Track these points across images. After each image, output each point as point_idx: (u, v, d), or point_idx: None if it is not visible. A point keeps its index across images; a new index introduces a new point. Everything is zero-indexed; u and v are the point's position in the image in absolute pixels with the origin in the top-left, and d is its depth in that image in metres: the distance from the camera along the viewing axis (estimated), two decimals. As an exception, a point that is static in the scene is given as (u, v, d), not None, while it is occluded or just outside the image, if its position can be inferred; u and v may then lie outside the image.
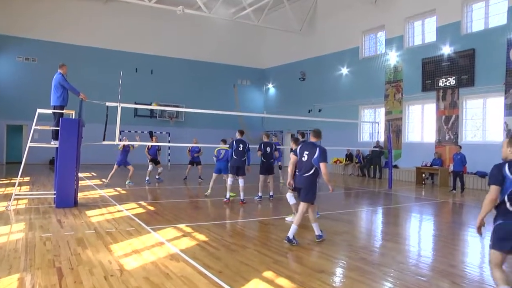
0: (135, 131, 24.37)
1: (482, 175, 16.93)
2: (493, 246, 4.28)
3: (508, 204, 4.17)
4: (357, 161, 22.72)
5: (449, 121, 18.63)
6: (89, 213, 9.16)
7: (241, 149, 11.00)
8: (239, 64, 29.87)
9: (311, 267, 5.66)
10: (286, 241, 6.76)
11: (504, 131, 16.43)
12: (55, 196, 9.77)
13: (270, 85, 30.83)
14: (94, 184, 14.72)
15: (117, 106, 11.13)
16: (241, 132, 11.46)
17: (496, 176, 4.28)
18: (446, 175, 17.79)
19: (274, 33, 28.56)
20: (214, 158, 12.47)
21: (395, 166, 20.46)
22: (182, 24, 26.62)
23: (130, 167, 15.11)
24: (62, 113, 10.02)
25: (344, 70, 24.36)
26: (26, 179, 15.58)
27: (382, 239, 7.78)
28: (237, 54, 29.49)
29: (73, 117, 10.66)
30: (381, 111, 22.30)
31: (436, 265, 6.07)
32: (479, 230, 4.36)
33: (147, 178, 15.81)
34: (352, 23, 23.56)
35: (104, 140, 10.99)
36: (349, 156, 23.38)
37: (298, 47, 27.34)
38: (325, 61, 25.45)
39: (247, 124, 28.32)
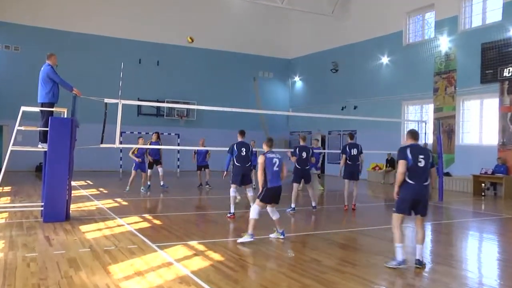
0: (138, 132, 24.51)
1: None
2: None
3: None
4: None
5: (516, 120, 18.36)
6: (83, 228, 9.19)
7: (244, 153, 10.90)
8: (260, 53, 29.94)
9: (347, 293, 5.58)
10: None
11: None
12: (42, 208, 9.79)
13: (296, 78, 30.85)
14: (89, 194, 14.79)
15: (117, 103, 11.20)
16: (242, 133, 11.34)
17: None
18: (512, 184, 17.51)
19: (301, 17, 28.59)
20: None
21: (447, 174, 20.25)
22: (193, 7, 26.89)
23: (143, 174, 15.75)
24: (52, 111, 10.08)
25: (385, 59, 24.29)
26: (7, 188, 15.58)
27: (433, 262, 7.68)
28: (257, 42, 29.51)
29: (65, 116, 10.74)
30: (429, 108, 22.16)
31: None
32: None
33: (147, 183, 16.01)
34: (394, 3, 23.52)
35: (102, 143, 11.05)
36: (390, 162, 23.19)
37: (330, 33, 27.34)
38: (362, 49, 25.39)
39: (270, 124, 28.47)
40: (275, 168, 8.31)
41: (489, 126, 19.70)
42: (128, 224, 9.76)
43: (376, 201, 15.89)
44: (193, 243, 8.08)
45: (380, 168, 23.87)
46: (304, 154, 12.33)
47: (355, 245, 8.54)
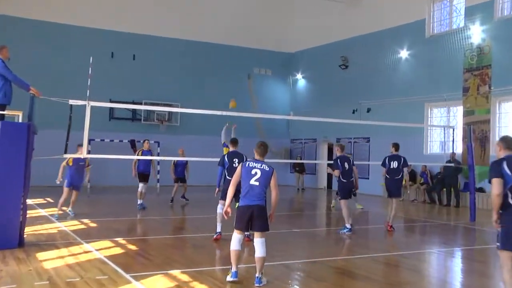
0: (110, 140, 24.51)
1: None
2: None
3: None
4: (422, 181, 22.68)
5: None
6: (41, 256, 9.02)
7: (237, 165, 10.12)
8: (256, 46, 29.88)
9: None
10: None
11: None
12: (-12, 233, 9.44)
13: (299, 76, 30.87)
14: (50, 215, 14.47)
15: (85, 106, 11.13)
16: (234, 143, 11.42)
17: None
18: None
19: (305, 4, 28.73)
20: None
21: (480, 190, 20.18)
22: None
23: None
24: (3, 114, 9.96)
25: (404, 53, 24.39)
26: None
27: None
28: (253, 33, 29.45)
29: (20, 121, 10.65)
30: (458, 111, 22.32)
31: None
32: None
33: (139, 201, 16.35)
34: (416, -14, 23.57)
35: (65, 152, 10.97)
36: (411, 175, 22.32)
37: (339, 22, 27.53)
38: (377, 41, 25.56)
39: (268, 130, 28.27)
40: (253, 182, 7.56)
41: (531, 132, 19.53)
42: (97, 250, 9.61)
43: (395, 222, 15.68)
44: (175, 272, 8.02)
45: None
46: (346, 165, 12.83)
47: (368, 274, 8.42)
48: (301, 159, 28.31)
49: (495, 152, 7.10)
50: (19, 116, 10.87)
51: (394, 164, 13.28)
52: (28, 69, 17.25)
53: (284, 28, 30.71)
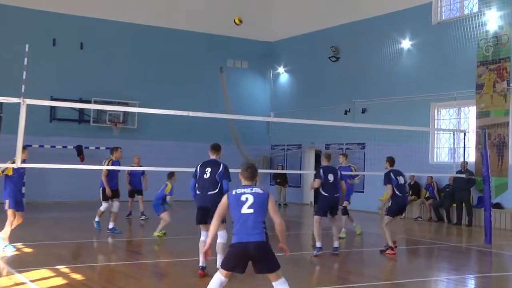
0: (51, 146, 24.33)
1: None
2: None
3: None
4: (428, 195, 22.83)
5: None
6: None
7: (208, 175, 10.22)
8: (230, 34, 29.74)
9: None
10: None
11: None
12: None
13: (280, 69, 30.96)
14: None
15: (19, 104, 10.85)
16: (214, 149, 10.73)
17: None
18: None
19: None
20: None
21: (497, 206, 20.39)
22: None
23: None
24: None
25: (406, 44, 24.60)
26: None
27: None
28: (227, 19, 27.76)
29: None
30: (471, 112, 22.61)
31: None
32: None
33: (96, 219, 16.08)
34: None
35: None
36: (414, 188, 23.34)
37: (328, 7, 27.75)
38: (373, 28, 25.79)
39: (243, 134, 28.15)
40: (245, 211, 6.93)
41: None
42: (32, 281, 9.31)
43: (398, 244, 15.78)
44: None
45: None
46: (331, 177, 12.96)
47: None
48: (283, 168, 28.39)
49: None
50: None
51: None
52: None
53: (264, 14, 30.70)
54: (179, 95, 26.45)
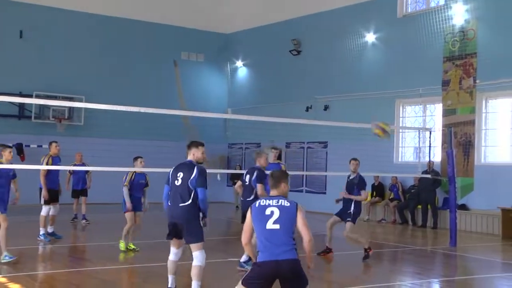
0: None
1: None
2: None
3: None
4: (392, 197, 21.74)
5: None
6: None
7: (180, 182, 7.81)
8: (184, 25, 28.10)
9: None
10: None
11: None
12: None
13: (238, 63, 29.36)
14: None
15: None
16: (192, 146, 8.05)
17: None
18: None
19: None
20: None
21: (463, 207, 19.24)
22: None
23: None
24: None
25: (370, 37, 23.43)
26: None
27: None
28: (181, 9, 27.57)
29: None
30: (437, 110, 21.89)
31: None
32: None
33: (41, 232, 13.92)
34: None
35: None
36: (377, 189, 22.36)
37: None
38: (336, 21, 24.51)
39: (199, 131, 25.72)
40: (271, 226, 5.68)
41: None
42: None
43: (358, 248, 13.88)
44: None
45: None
46: (247, 178, 11.08)
47: None
48: (240, 168, 26.25)
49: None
50: None
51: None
52: None
53: (220, 3, 28.80)
54: (130, 90, 24.49)
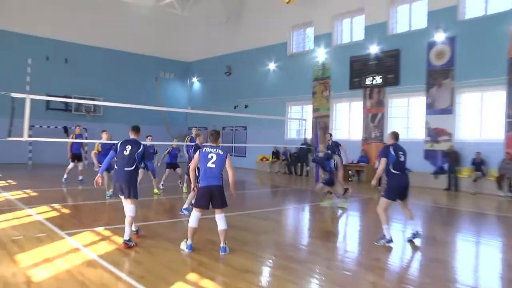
0: (47, 126, 23.38)
1: (405, 172, 17.85)
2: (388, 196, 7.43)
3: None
4: (284, 158, 22.81)
5: (375, 119, 19.56)
6: (-10, 219, 8.45)
7: (128, 153, 7.02)
8: (162, 56, 29.25)
9: (237, 267, 5.73)
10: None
11: (426, 129, 17.74)
12: None
13: (194, 79, 30.36)
14: (-3, 186, 13.54)
15: (24, 98, 10.55)
16: (136, 130, 7.44)
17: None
18: (372, 172, 18.26)
19: (199, 25, 28.35)
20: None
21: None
22: (101, 9, 25.55)
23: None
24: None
25: (272, 66, 24.42)
26: None
27: (309, 237, 8.05)
28: (160, 45, 28.84)
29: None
30: (309, 108, 22.61)
31: (361, 259, 6.48)
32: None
33: (65, 176, 14.34)
34: (280, 18, 23.69)
35: (9, 136, 10.40)
36: (275, 154, 23.46)
37: (225, 40, 27.28)
38: (252, 55, 25.47)
39: (171, 120, 28.05)
40: (210, 165, 6.45)
41: (355, 124, 20.55)
42: (37, 214, 9.03)
43: (264, 187, 15.97)
44: (100, 229, 7.77)
45: (267, 159, 24.11)
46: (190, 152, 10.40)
47: (244, 226, 8.58)
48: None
49: (386, 140, 7.84)
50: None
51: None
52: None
53: (184, 43, 30.03)
54: (129, 94, 25.43)
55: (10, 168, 18.25)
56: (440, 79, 17.36)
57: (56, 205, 10.15)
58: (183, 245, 6.58)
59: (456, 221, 10.29)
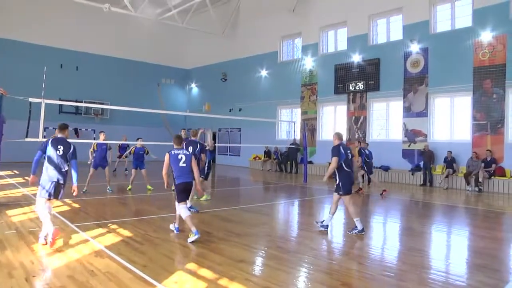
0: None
1: (385, 169, 18.04)
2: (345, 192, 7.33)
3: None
4: (275, 157, 22.68)
5: (358, 121, 19.54)
6: (9, 212, 8.48)
7: (61, 153, 6.31)
8: (163, 63, 29.17)
9: (232, 257, 5.71)
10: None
11: (403, 130, 17.81)
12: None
13: (193, 85, 30.21)
14: (16, 183, 13.53)
15: (40, 102, 10.51)
16: (63, 128, 6.72)
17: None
18: (355, 170, 18.57)
19: (198, 35, 28.23)
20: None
21: (310, 162, 20.67)
22: (108, 21, 25.44)
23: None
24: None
25: (264, 72, 24.34)
26: None
27: (298, 229, 8.00)
28: (162, 54, 28.80)
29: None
30: (298, 111, 22.51)
31: (345, 249, 6.47)
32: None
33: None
34: (271, 29, 23.77)
35: (27, 137, 10.35)
36: (267, 153, 23.34)
37: (221, 49, 27.17)
38: (246, 63, 25.40)
39: (171, 122, 27.92)
40: (182, 165, 6.71)
41: (340, 126, 20.40)
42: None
43: (256, 184, 15.87)
44: (106, 222, 7.78)
45: (259, 158, 24.00)
46: (191, 149, 9.86)
47: (239, 220, 8.55)
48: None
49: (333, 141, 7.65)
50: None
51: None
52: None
53: (183, 52, 30.07)
54: (134, 98, 25.47)
55: (27, 166, 17.90)
56: (415, 85, 17.41)
57: (67, 200, 10.14)
58: (192, 238, 6.38)
59: (430, 213, 10.31)
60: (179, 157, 6.72)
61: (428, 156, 16.31)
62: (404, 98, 17.77)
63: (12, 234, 6.67)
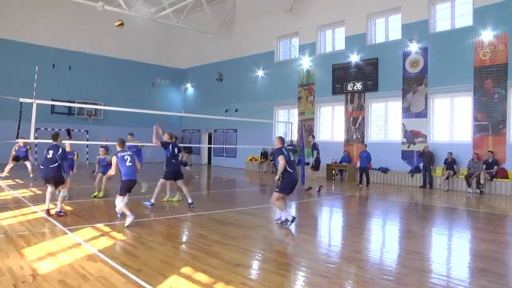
0: (52, 129, 23.04)
1: (384, 170, 18.08)
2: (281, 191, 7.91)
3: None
4: (271, 159, 22.46)
5: (356, 122, 19.58)
6: (-2, 215, 8.34)
7: (51, 156, 8.49)
8: (158, 63, 29.09)
9: (228, 261, 5.69)
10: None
11: (402, 131, 17.82)
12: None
13: (188, 85, 30.23)
14: (5, 185, 13.38)
15: (31, 103, 10.39)
16: (55, 137, 8.82)
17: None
18: (354, 171, 18.66)
19: (193, 34, 28.16)
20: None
21: (308, 163, 19.89)
22: (102, 20, 25.06)
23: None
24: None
25: (260, 73, 24.40)
26: None
27: (295, 232, 7.97)
28: (156, 53, 28.74)
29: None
30: (295, 112, 22.58)
31: (343, 252, 6.44)
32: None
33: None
34: (268, 28, 23.76)
35: (17, 137, 10.37)
36: (264, 154, 23.42)
37: (216, 48, 27.21)
38: (242, 63, 25.43)
39: (166, 122, 27.55)
40: (128, 164, 7.95)
41: (338, 127, 20.51)
42: (42, 210, 8.89)
43: (253, 186, 15.87)
44: (100, 225, 7.72)
45: (256, 160, 24.09)
46: (176, 150, 10.38)
47: (235, 222, 8.54)
48: (189, 143, 27.95)
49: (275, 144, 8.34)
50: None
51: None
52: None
53: (179, 51, 30.00)
54: (128, 98, 25.35)
55: (17, 168, 17.87)
56: (415, 85, 17.45)
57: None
58: (130, 221, 7.64)
59: (430, 216, 10.31)
60: (125, 158, 7.93)
61: (427, 157, 16.34)
62: (403, 98, 17.81)
63: (0, 238, 6.61)
